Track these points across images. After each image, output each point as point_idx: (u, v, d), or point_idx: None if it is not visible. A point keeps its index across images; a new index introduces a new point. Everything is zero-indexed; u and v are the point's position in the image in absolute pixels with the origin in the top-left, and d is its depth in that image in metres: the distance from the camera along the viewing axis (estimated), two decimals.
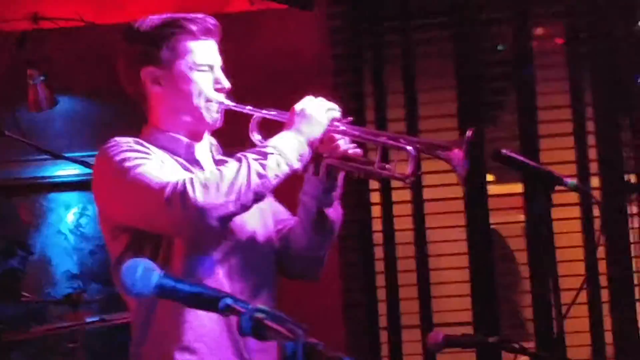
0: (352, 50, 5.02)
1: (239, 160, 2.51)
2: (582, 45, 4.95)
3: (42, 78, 4.88)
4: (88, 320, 4.14)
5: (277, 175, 2.52)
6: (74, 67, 5.00)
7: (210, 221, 2.45)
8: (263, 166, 2.50)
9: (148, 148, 2.60)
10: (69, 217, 5.24)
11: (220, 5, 4.89)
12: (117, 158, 2.55)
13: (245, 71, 5.10)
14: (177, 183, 2.45)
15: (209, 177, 2.47)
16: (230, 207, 2.46)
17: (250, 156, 2.52)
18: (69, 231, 5.23)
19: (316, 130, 2.61)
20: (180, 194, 2.43)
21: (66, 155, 4.24)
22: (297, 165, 2.57)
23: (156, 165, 2.54)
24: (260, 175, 2.49)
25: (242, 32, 4.97)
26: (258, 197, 2.52)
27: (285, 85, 4.76)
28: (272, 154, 2.53)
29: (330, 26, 5.04)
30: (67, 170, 5.04)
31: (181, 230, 2.50)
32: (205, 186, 2.44)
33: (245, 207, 2.50)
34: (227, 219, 2.49)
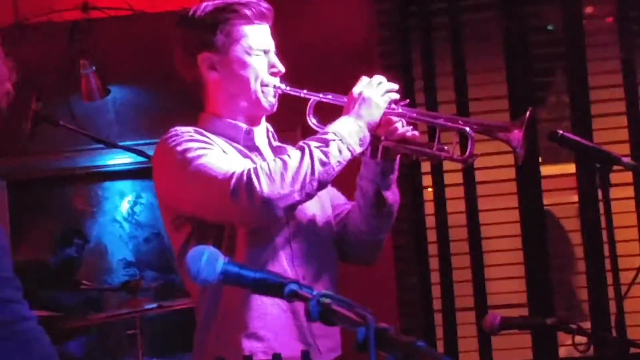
0: (400, 32, 4.98)
1: (302, 148, 2.51)
2: (634, 23, 4.88)
3: (93, 68, 4.92)
4: (147, 306, 4.18)
5: (339, 162, 2.52)
6: (125, 56, 5.03)
7: (276, 211, 2.45)
8: (325, 154, 2.50)
9: (208, 137, 2.60)
10: (124, 205, 5.29)
11: None
12: (179, 148, 2.55)
13: (292, 54, 5.08)
14: (242, 174, 2.45)
15: (273, 167, 2.47)
16: (296, 197, 2.47)
17: (313, 144, 2.52)
18: (123, 219, 5.28)
19: (375, 114, 2.61)
20: (246, 185, 2.43)
21: (119, 144, 4.28)
22: (359, 150, 2.58)
23: (219, 155, 2.54)
24: (323, 163, 2.49)
25: (288, 15, 4.92)
26: (322, 185, 2.53)
27: (333, 69, 4.75)
28: (334, 140, 2.53)
29: (378, 8, 5.02)
30: (121, 159, 5.08)
31: (248, 220, 2.51)
32: (270, 176, 2.44)
33: (309, 196, 2.51)
34: (292, 208, 2.50)
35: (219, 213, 2.52)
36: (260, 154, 2.70)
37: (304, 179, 2.47)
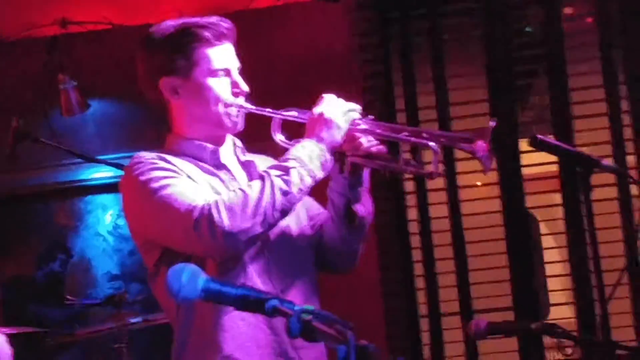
0: (379, 39, 4.99)
1: (262, 178, 2.49)
2: (613, 24, 4.90)
3: (73, 83, 4.91)
4: (131, 320, 4.17)
5: (301, 190, 2.51)
6: (104, 70, 5.03)
7: (238, 245, 2.45)
8: (286, 182, 2.48)
9: (173, 164, 2.57)
10: (107, 218, 5.28)
11: (246, 1, 4.89)
12: (143, 178, 2.53)
13: (274, 66, 5.12)
14: (203, 207, 2.44)
15: (234, 199, 2.45)
16: (258, 229, 2.45)
17: (273, 173, 2.50)
18: (107, 232, 5.27)
19: (337, 136, 2.57)
20: (207, 219, 2.42)
21: (99, 157, 4.27)
22: (321, 174, 2.55)
23: (183, 185, 2.52)
24: (284, 192, 2.47)
25: (269, 27, 4.97)
26: (284, 214, 2.51)
27: (315, 78, 4.76)
28: (295, 167, 2.50)
29: (356, 16, 5.02)
30: (103, 173, 5.07)
31: (210, 253, 2.49)
32: (231, 210, 2.43)
33: (272, 226, 2.50)
34: (255, 239, 2.49)
35: (183, 245, 2.51)
36: (228, 170, 2.68)
37: (266, 210, 2.45)
